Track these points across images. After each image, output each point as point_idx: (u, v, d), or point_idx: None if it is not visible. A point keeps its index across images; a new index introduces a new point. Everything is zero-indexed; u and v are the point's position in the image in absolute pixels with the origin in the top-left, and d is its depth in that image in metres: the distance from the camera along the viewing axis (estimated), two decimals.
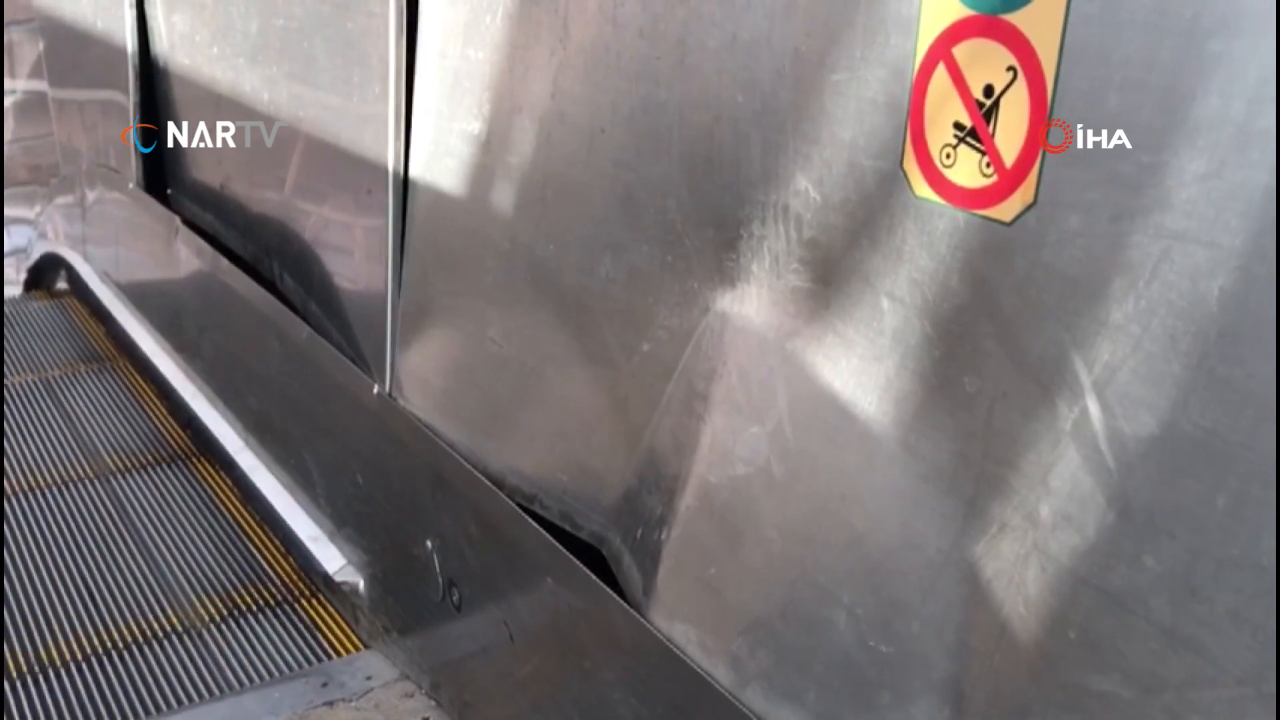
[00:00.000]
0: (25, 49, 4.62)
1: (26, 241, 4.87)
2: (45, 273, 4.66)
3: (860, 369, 1.17)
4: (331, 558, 2.48)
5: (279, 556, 2.73)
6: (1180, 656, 0.89)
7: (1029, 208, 0.98)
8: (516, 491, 1.78)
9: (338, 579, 2.42)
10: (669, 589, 1.43)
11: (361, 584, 2.38)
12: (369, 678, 2.27)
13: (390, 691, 2.22)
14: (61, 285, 4.53)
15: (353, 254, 2.25)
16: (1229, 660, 0.85)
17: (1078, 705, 0.96)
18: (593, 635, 1.59)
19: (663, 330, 1.45)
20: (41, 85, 4.51)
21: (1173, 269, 0.88)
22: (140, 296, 3.79)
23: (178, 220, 3.19)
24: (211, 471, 3.11)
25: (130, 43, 3.30)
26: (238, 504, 2.95)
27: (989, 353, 1.03)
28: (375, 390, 2.14)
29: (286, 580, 2.66)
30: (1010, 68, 0.97)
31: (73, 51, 4.05)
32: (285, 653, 2.43)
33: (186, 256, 3.16)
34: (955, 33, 1.02)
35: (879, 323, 1.14)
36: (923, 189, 1.07)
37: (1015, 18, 0.96)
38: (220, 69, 2.79)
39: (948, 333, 1.07)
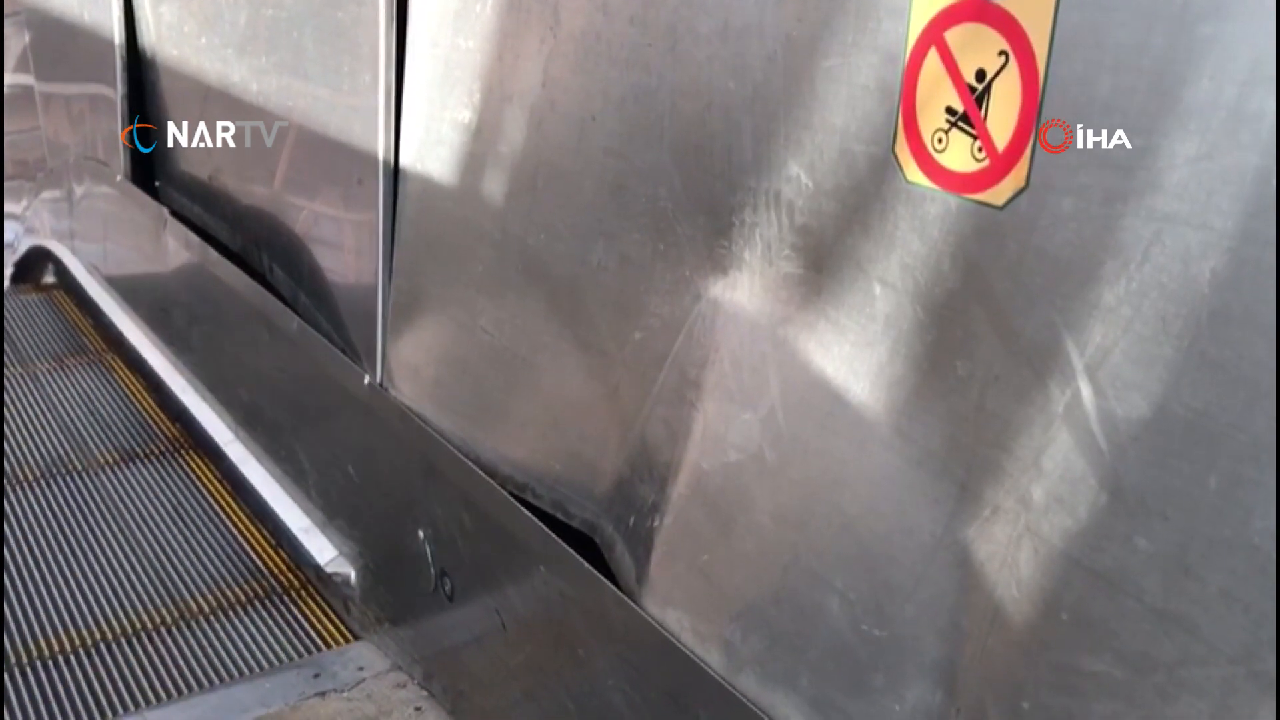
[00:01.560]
0: (10, 42, 4.59)
1: (13, 236, 4.84)
2: (32, 267, 4.64)
3: (852, 354, 1.17)
4: (323, 549, 2.47)
5: (269, 550, 2.73)
6: (1172, 636, 0.89)
7: (1021, 191, 0.98)
8: (509, 480, 1.78)
9: (329, 570, 2.42)
10: (662, 576, 1.43)
11: (353, 575, 2.38)
12: (361, 668, 2.26)
13: (382, 682, 2.22)
14: (49, 279, 4.51)
15: (343, 245, 2.25)
16: (1221, 639, 0.86)
17: (1070, 686, 0.97)
18: (586, 623, 1.59)
19: (655, 318, 1.45)
20: (26, 79, 4.48)
21: (1164, 251, 0.88)
22: (129, 289, 3.78)
23: (166, 212, 3.18)
24: (201, 464, 3.11)
25: (118, 34, 3.29)
26: (228, 496, 2.95)
27: (981, 336, 1.03)
28: (366, 381, 2.14)
29: (278, 574, 2.66)
30: (1002, 52, 0.98)
31: (59, 44, 4.03)
32: (276, 645, 2.43)
33: (175, 249, 3.15)
34: (947, 17, 1.02)
35: (871, 308, 1.14)
36: (915, 174, 1.08)
37: (1007, 2, 0.97)
38: (209, 60, 2.78)
39: (940, 317, 1.07)
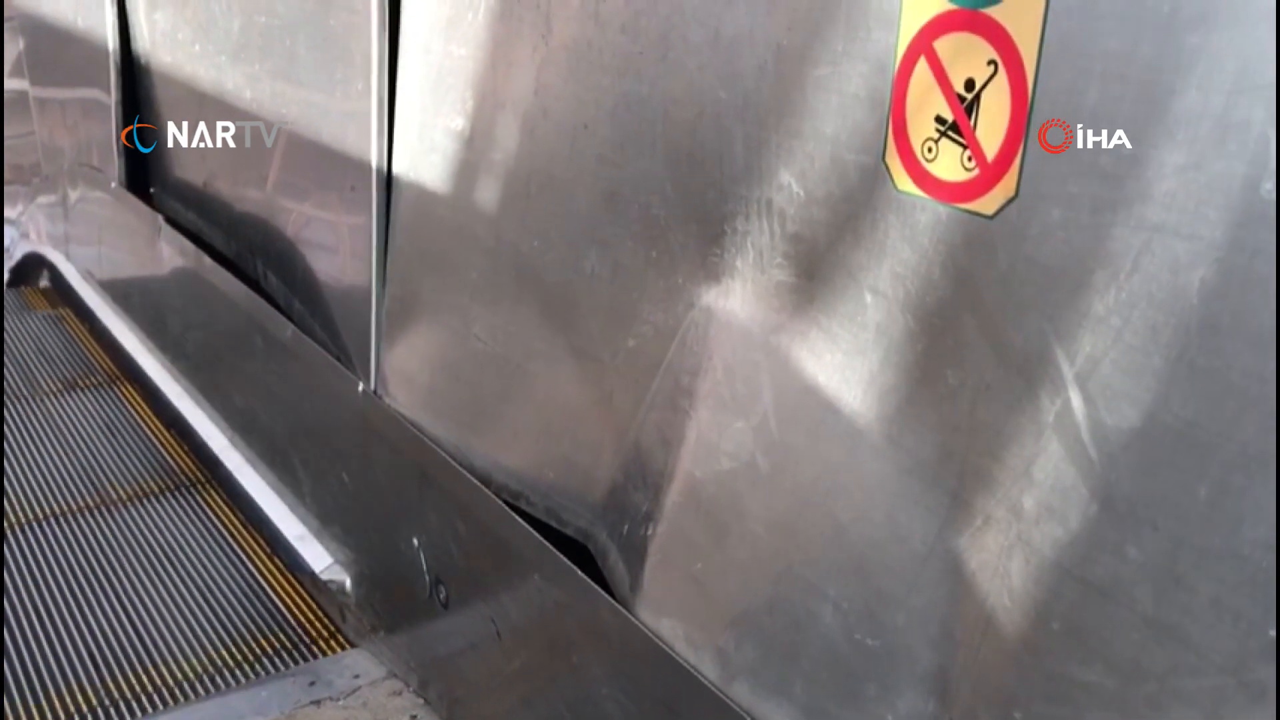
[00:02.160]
0: (6, 48, 4.59)
1: (9, 241, 4.84)
2: (28, 272, 4.63)
3: (844, 363, 1.17)
4: (318, 556, 2.47)
5: (181, 453, 2.82)
6: (1163, 646, 0.89)
7: (1010, 201, 0.98)
8: (503, 488, 1.78)
9: (324, 578, 2.42)
10: (655, 584, 1.43)
11: (348, 582, 2.38)
12: (356, 676, 2.26)
13: (378, 690, 2.22)
14: (44, 285, 4.51)
15: (337, 251, 2.25)
16: (1211, 649, 0.86)
17: (1062, 696, 0.97)
18: (580, 631, 1.59)
19: (648, 326, 1.45)
20: (22, 84, 4.48)
21: (1153, 261, 0.88)
22: (124, 296, 3.77)
23: (161, 219, 3.18)
24: (196, 470, 3.10)
25: (112, 41, 3.29)
26: (222, 503, 2.94)
27: (972, 346, 1.03)
28: (360, 388, 2.14)
29: (186, 470, 2.85)
30: (991, 61, 0.98)
31: (54, 50, 4.02)
32: (183, 528, 2.76)
33: (170, 255, 3.15)
34: (936, 26, 1.02)
35: (862, 317, 1.14)
36: (905, 183, 1.08)
37: (996, 11, 0.97)
38: (203, 67, 2.78)
39: (931, 326, 1.07)
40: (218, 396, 3.07)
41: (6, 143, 4.65)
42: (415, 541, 2.03)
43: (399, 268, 1.99)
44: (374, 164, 1.98)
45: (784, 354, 1.25)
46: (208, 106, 2.79)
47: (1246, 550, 0.84)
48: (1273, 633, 0.82)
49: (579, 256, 1.55)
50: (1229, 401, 0.84)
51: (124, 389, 3.61)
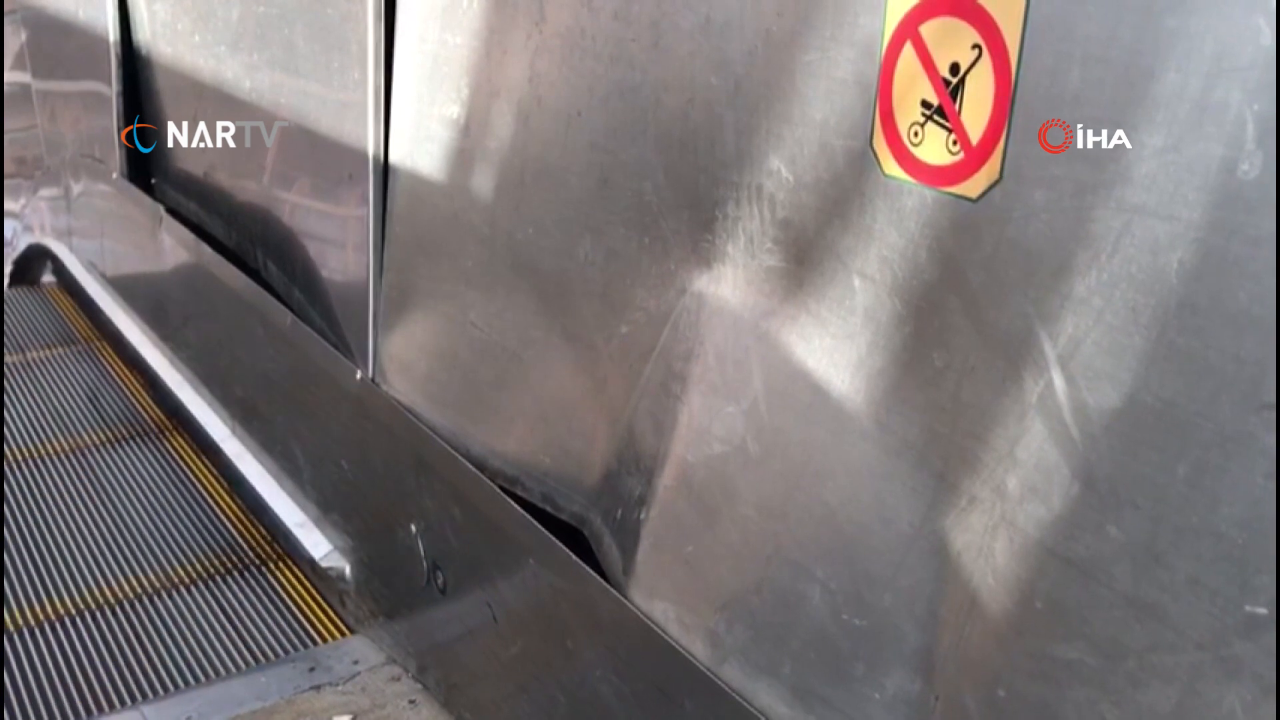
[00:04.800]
0: (8, 41, 4.60)
1: (11, 234, 4.85)
2: (31, 265, 4.65)
3: (833, 347, 1.18)
4: (318, 543, 2.49)
5: (150, 404, 3.04)
6: (1143, 623, 0.90)
7: (995, 184, 0.99)
8: (499, 474, 1.79)
9: (324, 564, 2.43)
10: (648, 568, 1.44)
11: (348, 569, 2.39)
12: (356, 662, 2.28)
13: (377, 675, 2.23)
14: (48, 277, 4.52)
15: (334, 240, 2.26)
16: (1189, 626, 0.87)
17: (1045, 673, 0.98)
18: (575, 616, 1.61)
19: (640, 312, 1.46)
20: (24, 77, 4.49)
21: (1133, 242, 0.89)
22: (126, 286, 3.79)
23: (162, 210, 3.19)
24: (197, 458, 3.12)
25: (112, 32, 3.30)
26: (223, 491, 2.96)
27: (957, 328, 1.04)
28: (358, 375, 2.15)
29: (153, 418, 3.11)
30: (975, 45, 0.99)
31: (55, 42, 4.03)
32: (148, 473, 3.04)
33: (171, 246, 3.16)
34: (922, 11, 1.03)
35: (851, 301, 1.15)
36: (892, 167, 1.08)
37: None
38: (202, 58, 2.79)
39: (917, 309, 1.08)
40: (218, 385, 3.08)
41: (9, 136, 4.66)
42: (413, 528, 2.05)
43: (396, 256, 2.00)
44: (370, 153, 1.99)
45: (774, 339, 1.26)
46: (207, 97, 2.80)
47: (1223, 528, 0.85)
48: (1248, 608, 0.83)
49: (572, 243, 1.56)
50: (1206, 381, 0.85)
51: (131, 381, 3.63)
